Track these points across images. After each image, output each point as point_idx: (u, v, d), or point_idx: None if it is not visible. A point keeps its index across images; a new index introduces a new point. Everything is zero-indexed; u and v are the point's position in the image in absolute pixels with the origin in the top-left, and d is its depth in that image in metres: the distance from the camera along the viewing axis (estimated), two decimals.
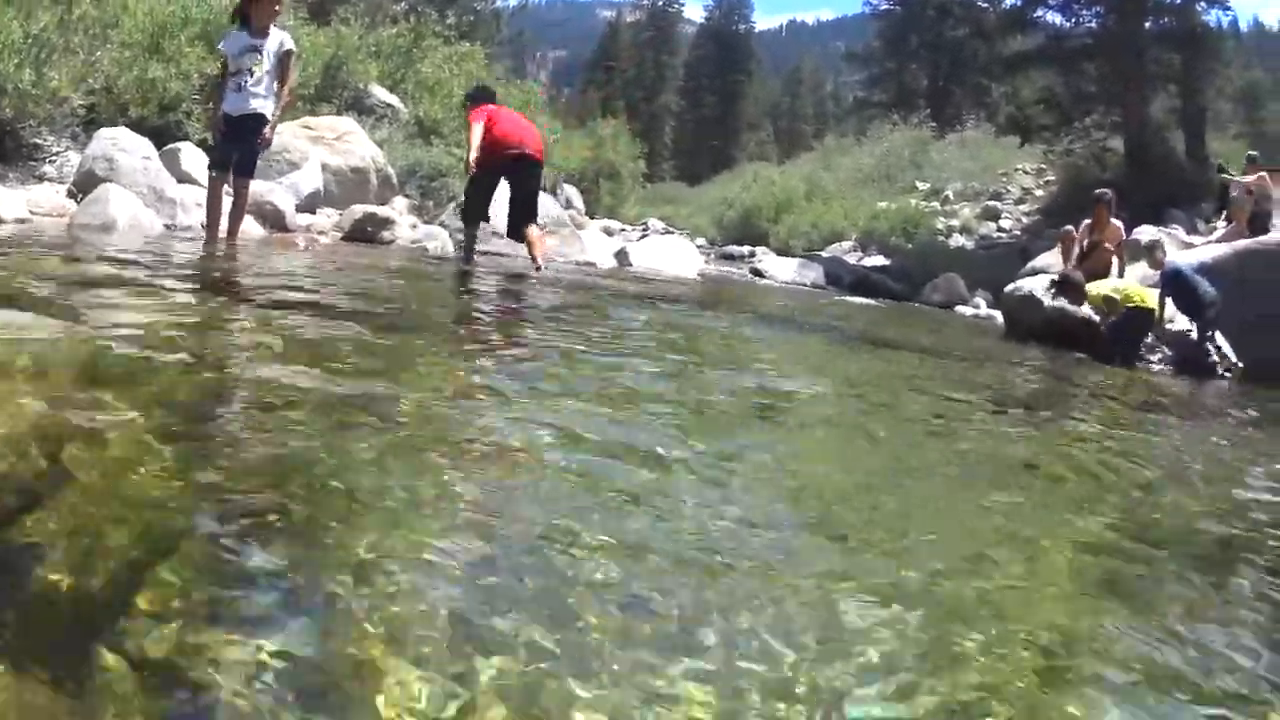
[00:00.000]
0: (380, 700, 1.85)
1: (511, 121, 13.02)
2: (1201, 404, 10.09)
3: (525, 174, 12.94)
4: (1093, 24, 33.98)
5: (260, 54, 10.58)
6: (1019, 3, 38.96)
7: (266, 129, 10.68)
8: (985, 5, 62.38)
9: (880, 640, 2.42)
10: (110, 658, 1.82)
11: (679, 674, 2.11)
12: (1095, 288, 13.44)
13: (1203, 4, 32.11)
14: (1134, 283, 13.94)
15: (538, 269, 12.48)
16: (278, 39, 10.76)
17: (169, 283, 7.04)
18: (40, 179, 13.38)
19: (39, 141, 13.83)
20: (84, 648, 1.86)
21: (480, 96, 13.39)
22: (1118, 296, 13.12)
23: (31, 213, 11.27)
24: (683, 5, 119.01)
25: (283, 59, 10.78)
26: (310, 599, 2.19)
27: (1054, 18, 35.63)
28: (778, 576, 2.73)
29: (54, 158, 13.97)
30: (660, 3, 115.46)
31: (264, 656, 1.90)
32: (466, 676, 1.97)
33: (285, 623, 2.05)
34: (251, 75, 10.53)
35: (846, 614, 2.56)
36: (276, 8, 10.89)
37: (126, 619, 1.97)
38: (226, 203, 10.92)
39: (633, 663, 2.13)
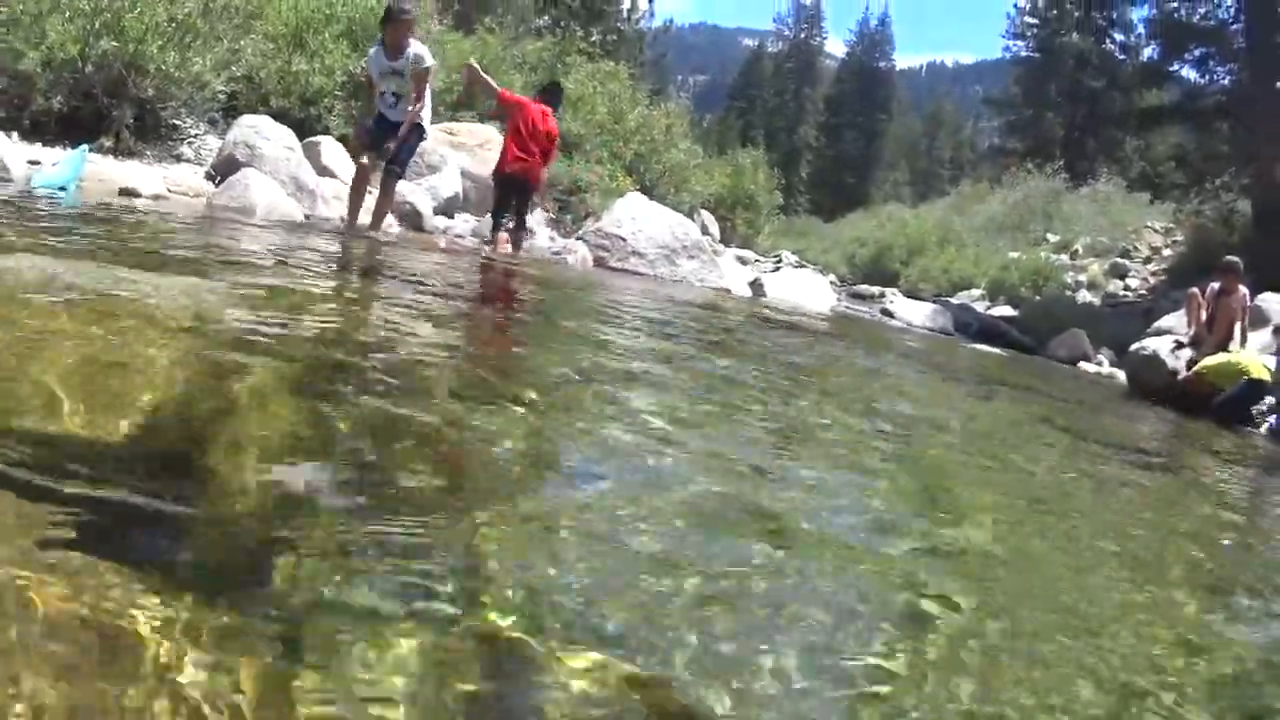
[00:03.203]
0: None
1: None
2: None
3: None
4: (1226, 81, 33.14)
5: (400, 76, 10.81)
6: (1156, 56, 38.28)
7: (403, 128, 10.79)
8: (1123, 57, 61.97)
9: None
10: None
11: None
12: (1207, 362, 13.78)
13: None
14: (1247, 354, 14.12)
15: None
16: (414, 56, 10.81)
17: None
18: (177, 159, 13.46)
19: (178, 123, 13.94)
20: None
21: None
22: (1230, 368, 13.35)
23: (169, 190, 11.36)
24: (825, 38, 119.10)
25: (419, 76, 10.84)
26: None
27: (1190, 73, 34.88)
28: None
29: (192, 139, 14.10)
30: (802, 35, 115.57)
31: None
32: None
33: None
34: (397, 98, 10.86)
35: None
36: (406, 34, 10.85)
37: None
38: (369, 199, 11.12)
39: None
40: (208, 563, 2.01)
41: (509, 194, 13.73)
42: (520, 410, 3.67)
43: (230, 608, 1.82)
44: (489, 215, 14.31)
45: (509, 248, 13.51)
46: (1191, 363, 14.00)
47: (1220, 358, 13.65)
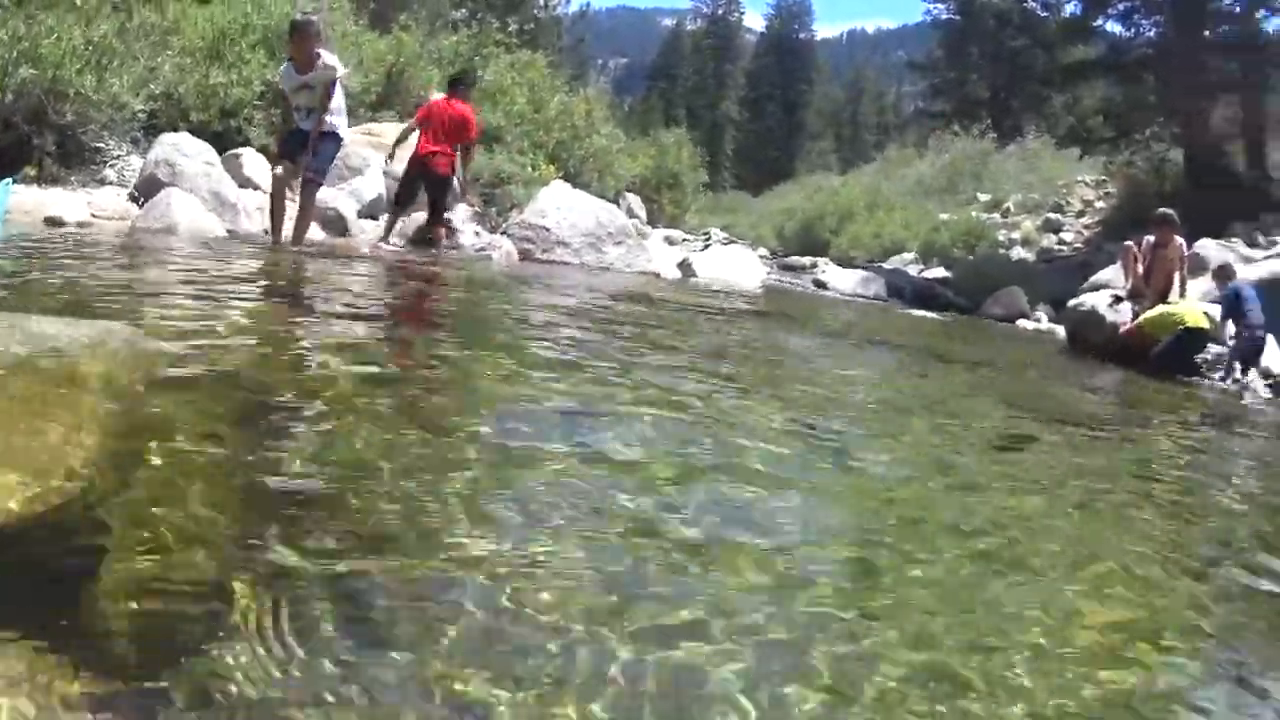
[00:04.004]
0: None
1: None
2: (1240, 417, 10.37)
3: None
4: (1152, 33, 33.42)
5: (311, 89, 10.86)
6: (1079, 11, 38.50)
7: (311, 136, 10.86)
8: (1045, 15, 62.22)
9: None
10: None
11: None
12: (1147, 314, 13.89)
13: (1264, 11, 31.44)
14: (1186, 303, 14.14)
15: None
16: (323, 66, 10.86)
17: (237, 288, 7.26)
18: (101, 182, 13.44)
19: (100, 145, 13.90)
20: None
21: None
22: (1168, 319, 13.47)
23: (93, 215, 11.35)
24: (743, 13, 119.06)
25: (326, 85, 10.87)
26: None
27: (1114, 27, 35.08)
28: None
29: (115, 161, 14.05)
30: (720, 11, 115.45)
31: None
32: None
33: None
34: (310, 111, 10.88)
35: None
36: (312, 47, 10.89)
37: None
38: (291, 209, 11.11)
39: None
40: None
41: (416, 185, 14.09)
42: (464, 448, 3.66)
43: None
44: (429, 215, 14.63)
45: (365, 248, 13.62)
46: (1136, 315, 14.15)
47: (1158, 309, 13.78)
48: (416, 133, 14.31)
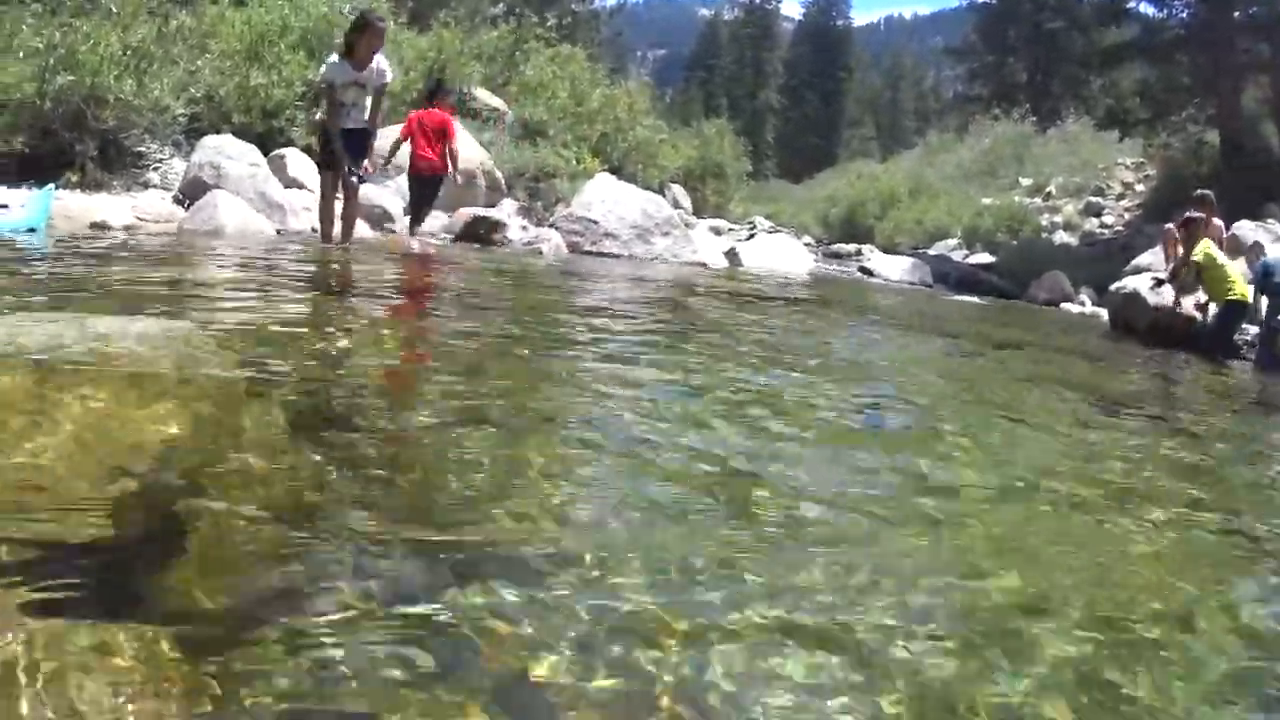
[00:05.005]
0: None
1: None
2: None
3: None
4: (1184, 14, 33.09)
5: (362, 87, 10.70)
6: None
7: (366, 162, 10.87)
8: None
9: None
10: None
11: None
12: (1217, 256, 13.31)
13: None
14: (1238, 272, 13.72)
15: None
16: (377, 70, 10.75)
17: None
18: (145, 186, 13.40)
19: (142, 150, 13.86)
20: None
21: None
22: (1224, 276, 13.04)
23: (138, 219, 11.30)
24: (780, 1, 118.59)
25: (379, 90, 10.83)
26: None
27: (1147, 8, 34.77)
28: None
29: (158, 165, 14.04)
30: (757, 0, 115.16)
31: None
32: None
33: None
34: (356, 106, 10.74)
35: None
36: (377, 47, 10.74)
37: None
38: (337, 206, 10.99)
39: None
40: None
41: (423, 190, 14.01)
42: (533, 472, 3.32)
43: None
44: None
45: (415, 244, 13.59)
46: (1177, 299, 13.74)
47: (1224, 259, 13.38)
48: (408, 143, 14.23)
